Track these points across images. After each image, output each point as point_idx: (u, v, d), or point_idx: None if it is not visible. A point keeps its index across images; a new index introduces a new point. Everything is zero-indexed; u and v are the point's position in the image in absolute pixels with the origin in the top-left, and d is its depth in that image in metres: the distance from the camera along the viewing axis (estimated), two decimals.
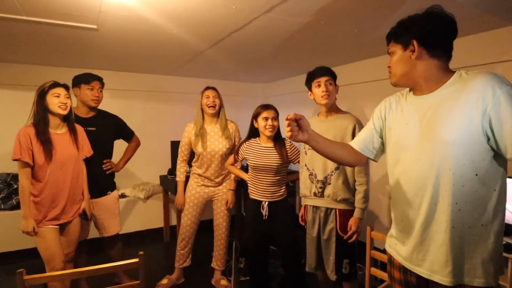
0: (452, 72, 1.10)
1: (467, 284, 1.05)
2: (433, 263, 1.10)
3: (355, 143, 1.36)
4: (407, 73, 1.14)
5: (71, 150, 1.99)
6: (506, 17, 1.86)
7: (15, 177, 3.05)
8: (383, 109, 1.30)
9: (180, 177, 2.57)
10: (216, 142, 2.47)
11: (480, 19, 1.90)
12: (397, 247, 1.25)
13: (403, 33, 1.13)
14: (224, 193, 2.55)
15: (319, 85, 1.90)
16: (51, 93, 1.87)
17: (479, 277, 1.04)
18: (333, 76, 1.94)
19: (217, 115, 2.50)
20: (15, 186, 3.03)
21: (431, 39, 1.09)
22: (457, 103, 1.02)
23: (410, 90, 1.22)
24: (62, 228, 2.01)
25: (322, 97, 1.89)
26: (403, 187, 1.18)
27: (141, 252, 1.39)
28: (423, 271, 1.14)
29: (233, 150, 2.51)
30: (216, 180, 2.52)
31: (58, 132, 1.95)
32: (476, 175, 1.02)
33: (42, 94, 1.87)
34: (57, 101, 1.87)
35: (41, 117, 1.87)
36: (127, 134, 2.56)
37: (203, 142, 2.44)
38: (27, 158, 1.81)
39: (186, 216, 2.54)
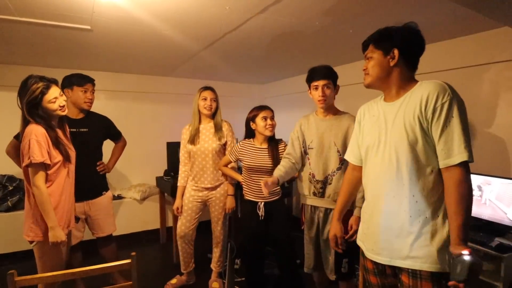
0: (415, 82, 1.24)
1: (427, 270, 1.15)
2: (392, 251, 1.22)
3: (356, 160, 1.47)
4: (382, 77, 1.26)
5: (71, 148, 1.91)
6: (500, 19, 1.86)
7: (10, 179, 3.04)
8: (358, 117, 1.46)
9: (180, 182, 2.52)
10: (207, 138, 2.45)
11: (473, 20, 1.91)
12: (363, 239, 1.38)
13: (385, 40, 1.25)
14: (217, 198, 2.50)
15: (316, 89, 1.87)
16: (46, 100, 1.68)
17: (436, 263, 1.14)
18: (332, 78, 1.88)
19: (212, 115, 2.49)
20: (10, 188, 3.02)
21: (410, 50, 1.23)
22: (410, 109, 1.17)
23: (381, 98, 1.34)
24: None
25: (318, 101, 1.88)
26: (368, 184, 1.34)
27: (133, 253, 1.38)
28: (382, 259, 1.25)
29: (225, 149, 2.51)
30: (211, 183, 2.46)
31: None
32: (432, 171, 1.16)
33: (35, 104, 1.66)
34: (56, 106, 1.71)
35: (42, 117, 1.70)
36: (116, 135, 2.56)
37: (195, 140, 2.43)
38: (49, 160, 1.67)
39: (181, 221, 2.51)
